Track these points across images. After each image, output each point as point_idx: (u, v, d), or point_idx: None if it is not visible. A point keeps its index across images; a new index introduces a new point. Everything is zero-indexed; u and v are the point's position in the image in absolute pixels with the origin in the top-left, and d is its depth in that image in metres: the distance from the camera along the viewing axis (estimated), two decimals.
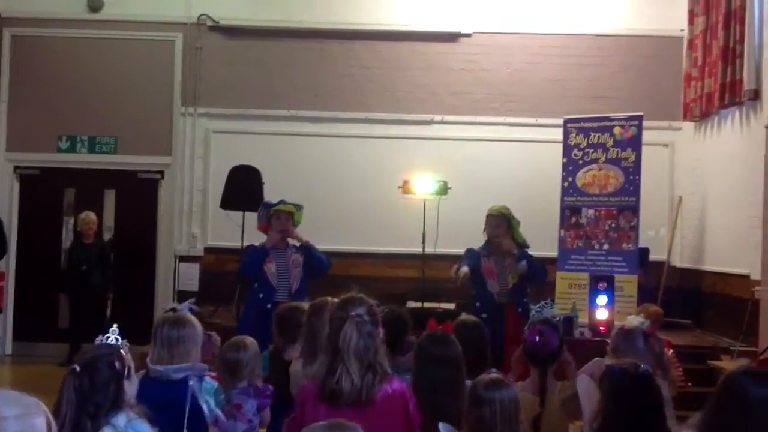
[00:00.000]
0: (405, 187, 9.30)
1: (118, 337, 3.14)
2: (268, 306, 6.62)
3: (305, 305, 4.69)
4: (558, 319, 4.20)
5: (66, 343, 9.73)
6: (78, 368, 2.96)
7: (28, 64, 10.55)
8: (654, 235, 10.15)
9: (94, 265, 10.03)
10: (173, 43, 10.60)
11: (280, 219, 7.18)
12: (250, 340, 4.38)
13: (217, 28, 10.59)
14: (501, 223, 7.33)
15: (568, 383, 4.00)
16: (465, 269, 7.13)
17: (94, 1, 10.54)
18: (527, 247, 7.49)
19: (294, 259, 7.15)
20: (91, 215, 10.23)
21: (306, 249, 7.26)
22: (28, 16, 10.50)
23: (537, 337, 4.09)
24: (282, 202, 7.32)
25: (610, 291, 8.17)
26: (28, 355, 10.20)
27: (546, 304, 4.20)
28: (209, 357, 4.24)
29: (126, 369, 3.04)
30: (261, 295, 6.98)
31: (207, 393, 3.84)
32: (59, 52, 10.58)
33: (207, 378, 3.91)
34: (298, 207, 7.39)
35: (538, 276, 7.51)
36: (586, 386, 3.81)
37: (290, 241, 7.32)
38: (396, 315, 4.54)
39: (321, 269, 7.32)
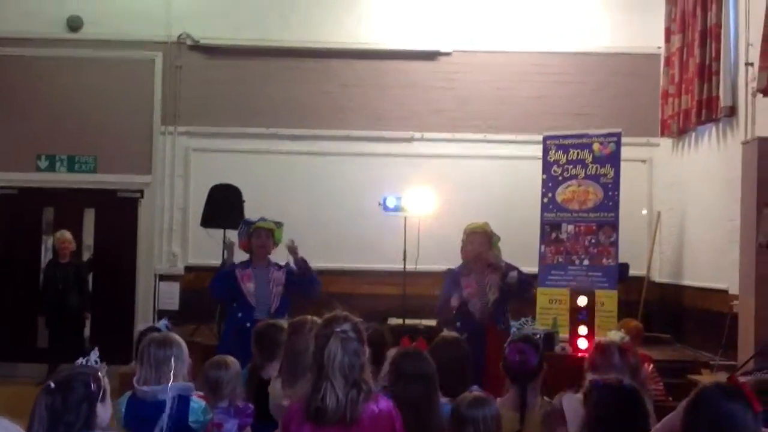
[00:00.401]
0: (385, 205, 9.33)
1: (98, 360, 3.13)
2: (247, 325, 6.59)
3: (284, 323, 4.69)
4: (538, 336, 4.20)
5: (44, 363, 9.67)
6: (53, 385, 2.94)
7: (6, 83, 10.51)
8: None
9: (71, 285, 9.96)
10: (153, 62, 10.59)
11: (260, 237, 7.16)
12: (231, 360, 4.37)
13: (197, 47, 10.59)
14: (484, 240, 7.27)
15: (548, 400, 4.00)
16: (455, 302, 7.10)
17: (74, 21, 10.53)
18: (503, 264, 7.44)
19: (275, 277, 7.10)
20: (67, 234, 10.14)
21: (301, 267, 7.18)
22: (7, 36, 10.46)
23: (517, 355, 4.09)
24: (262, 219, 7.30)
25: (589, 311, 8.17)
26: (6, 376, 10.07)
27: (526, 321, 4.21)
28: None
29: (101, 391, 3.02)
30: (240, 314, 6.95)
31: (194, 413, 3.84)
32: (38, 71, 10.55)
33: (194, 397, 3.91)
34: (278, 224, 7.36)
35: (526, 288, 7.44)
36: (572, 405, 3.81)
37: (272, 258, 7.30)
38: (377, 332, 4.55)
39: (311, 290, 7.25)
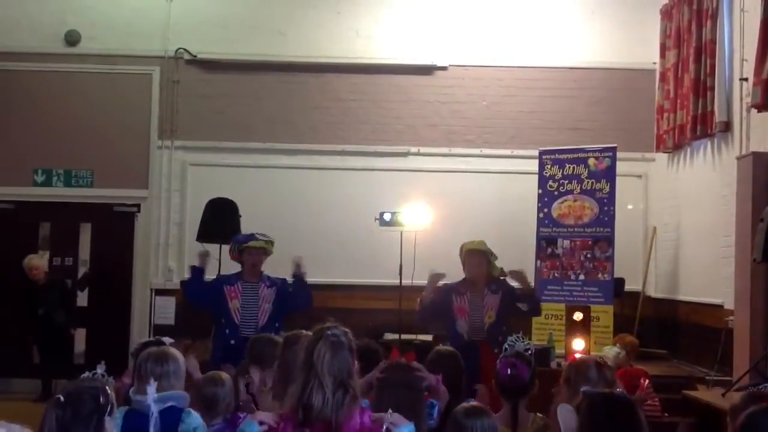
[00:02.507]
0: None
1: (105, 374, 3.14)
2: (232, 342, 6.58)
3: (278, 338, 4.67)
4: (530, 352, 4.20)
5: (39, 379, 9.68)
6: (62, 399, 2.95)
7: (3, 97, 10.52)
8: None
9: (53, 306, 9.79)
10: (150, 77, 10.61)
11: (251, 255, 7.10)
12: (225, 375, 4.37)
13: (194, 62, 10.62)
14: (482, 261, 7.08)
15: (541, 416, 4.00)
16: (434, 272, 7.04)
17: (71, 35, 10.56)
18: (504, 275, 7.29)
19: (265, 294, 7.01)
20: (34, 260, 9.98)
21: (298, 279, 7.16)
22: (5, 50, 10.48)
23: (509, 370, 4.10)
24: (252, 237, 7.21)
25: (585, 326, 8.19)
26: (1, 392, 10.04)
27: (518, 337, 4.21)
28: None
29: (108, 405, 3.03)
30: (226, 331, 6.90)
31: (185, 424, 3.83)
32: (36, 86, 10.57)
33: (194, 413, 3.90)
34: (269, 242, 7.27)
35: (535, 309, 7.48)
36: (565, 415, 3.80)
37: (264, 272, 7.24)
38: (370, 346, 4.55)
39: (304, 301, 7.16)
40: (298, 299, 7.14)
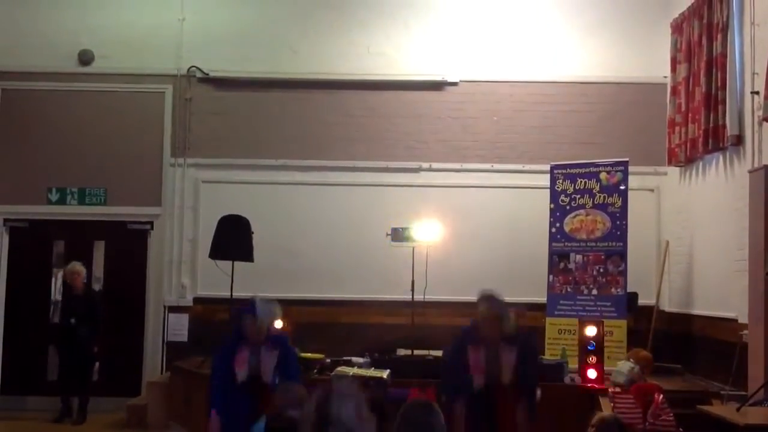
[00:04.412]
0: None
1: None
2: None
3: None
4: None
5: (55, 396, 9.69)
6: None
7: (18, 117, 10.62)
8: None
9: (84, 318, 9.73)
10: (163, 95, 10.69)
11: (254, 323, 6.34)
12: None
13: (207, 80, 10.69)
14: (495, 323, 6.25)
15: None
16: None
17: (85, 55, 10.65)
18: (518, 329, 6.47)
19: (270, 356, 6.35)
20: (77, 265, 9.96)
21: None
22: (19, 69, 10.59)
23: None
24: (253, 309, 6.41)
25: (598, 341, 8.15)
26: (17, 409, 10.06)
27: None
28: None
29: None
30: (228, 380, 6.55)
31: None
32: (49, 105, 10.66)
33: None
34: (272, 312, 6.58)
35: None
36: None
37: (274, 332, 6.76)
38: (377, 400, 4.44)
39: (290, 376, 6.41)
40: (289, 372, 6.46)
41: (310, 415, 3.37)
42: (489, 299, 6.33)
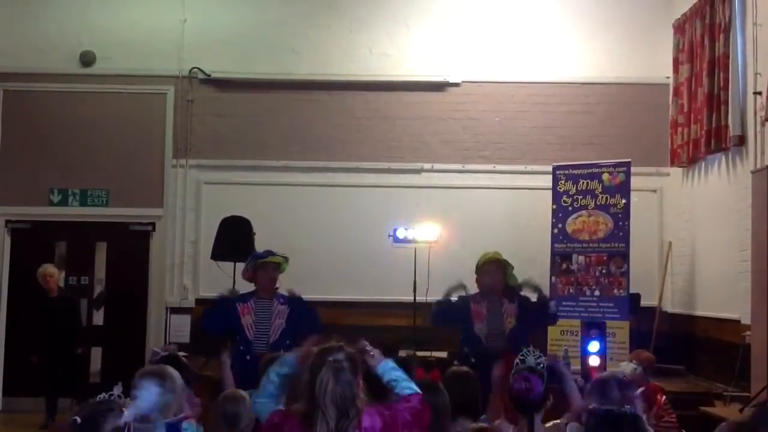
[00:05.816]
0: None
1: (122, 395, 3.12)
2: (247, 357, 6.56)
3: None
4: (542, 366, 4.16)
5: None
6: (79, 420, 2.93)
7: (19, 118, 10.61)
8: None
9: (61, 320, 9.49)
10: (165, 96, 10.68)
11: (267, 270, 7.13)
12: (243, 392, 4.34)
13: (209, 81, 10.68)
14: (499, 271, 7.18)
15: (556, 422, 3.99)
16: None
17: (86, 56, 10.64)
18: (521, 288, 7.34)
19: (279, 310, 7.00)
20: (49, 267, 9.76)
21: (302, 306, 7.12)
22: (20, 71, 10.57)
23: (522, 383, 4.07)
24: (270, 253, 7.24)
25: (602, 337, 8.18)
26: (19, 411, 10.04)
27: (530, 351, 4.18)
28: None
29: (126, 426, 3.01)
30: (241, 347, 6.87)
31: None
32: (51, 106, 10.65)
33: (189, 423, 3.84)
34: (285, 259, 7.26)
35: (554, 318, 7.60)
36: None
37: (281, 291, 7.25)
38: None
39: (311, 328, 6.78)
40: (308, 326, 6.93)
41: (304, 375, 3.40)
42: (493, 254, 7.13)
